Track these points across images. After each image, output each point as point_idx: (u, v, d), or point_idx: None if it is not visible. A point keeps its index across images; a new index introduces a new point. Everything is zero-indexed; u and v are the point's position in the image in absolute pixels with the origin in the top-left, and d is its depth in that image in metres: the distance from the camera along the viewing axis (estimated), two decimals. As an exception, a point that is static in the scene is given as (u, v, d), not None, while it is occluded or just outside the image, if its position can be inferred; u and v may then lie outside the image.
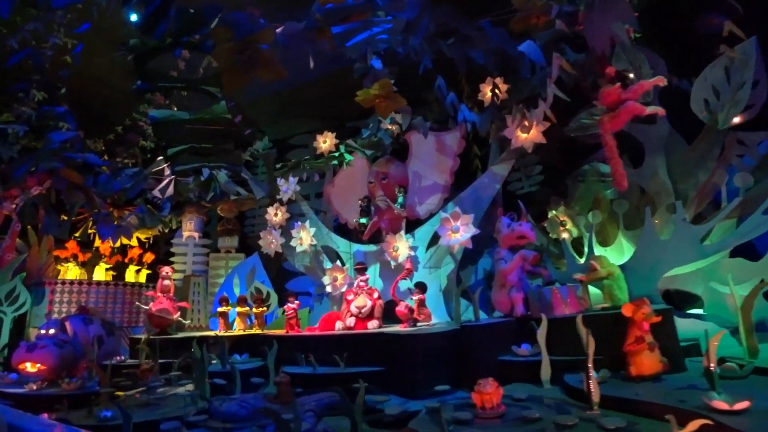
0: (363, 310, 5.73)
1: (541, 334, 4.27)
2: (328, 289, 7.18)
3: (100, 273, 8.10)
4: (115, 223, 7.31)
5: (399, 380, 4.62)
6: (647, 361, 3.65)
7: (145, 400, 4.93)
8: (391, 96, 6.38)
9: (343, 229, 8.16)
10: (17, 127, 6.13)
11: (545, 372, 4.23)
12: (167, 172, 6.35)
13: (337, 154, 6.74)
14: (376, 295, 5.94)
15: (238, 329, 6.78)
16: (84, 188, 5.89)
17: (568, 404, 3.71)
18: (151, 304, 6.47)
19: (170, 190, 6.15)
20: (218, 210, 6.32)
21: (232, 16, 3.91)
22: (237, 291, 8.16)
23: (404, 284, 6.09)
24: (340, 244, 7.59)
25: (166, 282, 6.69)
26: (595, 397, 3.36)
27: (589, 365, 3.41)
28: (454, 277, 6.69)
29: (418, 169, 7.31)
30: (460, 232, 6.23)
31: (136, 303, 6.60)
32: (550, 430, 3.11)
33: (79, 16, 6.60)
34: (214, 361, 5.55)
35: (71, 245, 7.85)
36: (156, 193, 6.13)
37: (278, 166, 7.31)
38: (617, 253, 5.88)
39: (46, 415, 4.76)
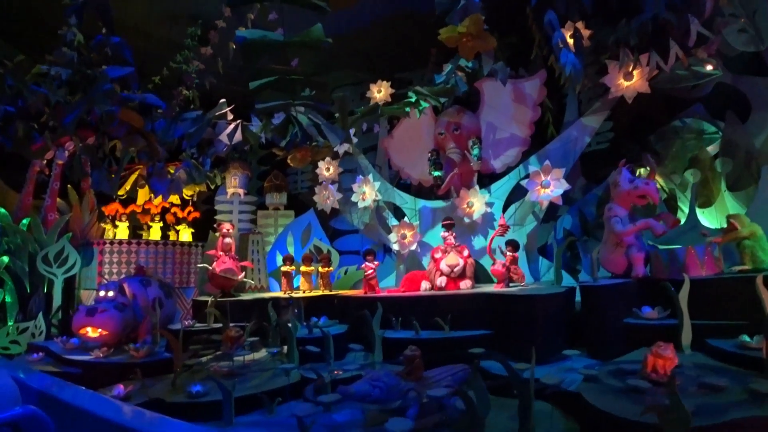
0: (455, 269, 5.35)
1: (683, 296, 3.93)
2: (395, 247, 6.79)
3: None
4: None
5: (517, 345, 4.30)
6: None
7: (228, 371, 4.59)
8: (481, 35, 5.73)
9: (399, 185, 7.69)
10: (60, 70, 5.38)
11: (686, 336, 3.92)
12: (230, 116, 5.66)
13: (413, 100, 6.10)
14: (466, 252, 5.55)
15: (302, 290, 6.41)
16: (145, 133, 5.19)
17: (731, 371, 3.40)
18: (214, 264, 6.03)
19: (238, 136, 5.49)
20: (288, 159, 5.73)
21: None
22: (291, 250, 7.75)
23: (499, 241, 5.68)
24: (407, 199, 7.13)
25: (227, 240, 6.22)
26: (780, 365, 3.04)
27: (775, 331, 3.06)
28: (535, 236, 6.32)
29: (493, 119, 6.75)
30: (551, 187, 5.79)
31: (199, 263, 6.13)
32: (748, 400, 2.79)
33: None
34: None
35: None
36: (223, 139, 5.47)
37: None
38: (721, 215, 5.51)
39: (122, 387, 4.36)
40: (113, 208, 7.05)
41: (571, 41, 6.02)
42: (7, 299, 6.18)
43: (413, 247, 6.69)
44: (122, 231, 7.06)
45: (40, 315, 6.14)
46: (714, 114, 5.91)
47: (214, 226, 8.21)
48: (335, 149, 7.22)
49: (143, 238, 7.12)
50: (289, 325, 4.78)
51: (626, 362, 3.70)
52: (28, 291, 6.36)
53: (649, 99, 5.79)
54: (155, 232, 7.30)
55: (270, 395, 4.01)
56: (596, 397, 3.02)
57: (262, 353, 5.06)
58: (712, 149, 5.80)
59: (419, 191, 7.54)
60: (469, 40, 5.77)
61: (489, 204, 6.42)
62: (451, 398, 3.29)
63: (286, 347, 4.87)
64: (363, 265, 5.74)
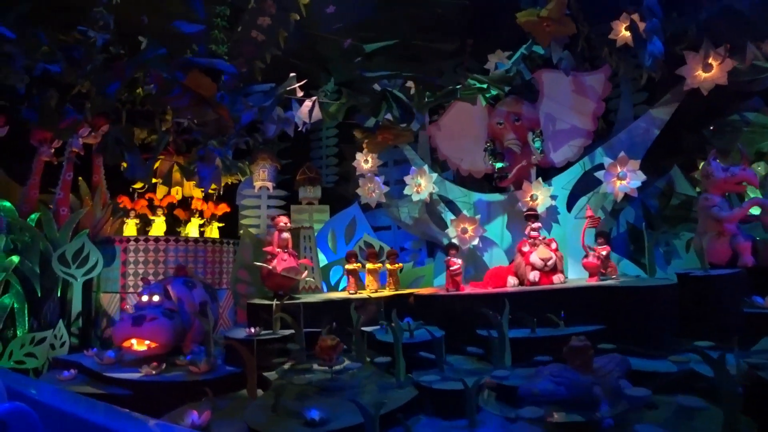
0: (549, 263, 5.10)
1: (813, 283, 3.93)
2: (455, 242, 6.44)
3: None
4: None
5: (637, 338, 4.16)
6: None
7: (321, 386, 4.01)
8: (562, 20, 5.55)
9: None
10: (96, 35, 4.52)
11: (819, 324, 3.92)
12: (300, 93, 5.03)
13: (484, 86, 5.79)
14: (554, 245, 5.31)
15: (369, 289, 5.89)
16: (215, 104, 4.38)
17: None
18: (274, 262, 5.35)
19: (317, 113, 4.88)
20: (365, 143, 5.19)
21: None
22: (331, 246, 7.17)
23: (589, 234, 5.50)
24: (465, 192, 6.80)
25: (285, 235, 5.55)
26: None
27: None
28: (603, 229, 6.22)
29: (552, 111, 6.60)
30: (628, 179, 5.72)
31: (256, 262, 5.42)
32: None
33: None
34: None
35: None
36: (302, 116, 4.85)
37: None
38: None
39: (195, 413, 3.58)
40: (141, 202, 6.10)
41: (626, 34, 6.04)
42: (15, 305, 5.11)
43: (475, 242, 6.38)
44: (158, 226, 6.12)
45: (61, 323, 5.14)
46: (773, 108, 6.12)
47: (240, 222, 7.45)
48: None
49: (181, 234, 6.21)
50: (393, 328, 4.29)
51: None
52: (39, 295, 5.32)
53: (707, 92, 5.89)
54: (193, 228, 6.41)
55: (399, 412, 3.53)
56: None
57: (357, 363, 4.51)
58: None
59: (463, 183, 7.25)
60: (549, 24, 5.59)
61: (553, 197, 6.27)
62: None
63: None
64: (446, 260, 5.34)
